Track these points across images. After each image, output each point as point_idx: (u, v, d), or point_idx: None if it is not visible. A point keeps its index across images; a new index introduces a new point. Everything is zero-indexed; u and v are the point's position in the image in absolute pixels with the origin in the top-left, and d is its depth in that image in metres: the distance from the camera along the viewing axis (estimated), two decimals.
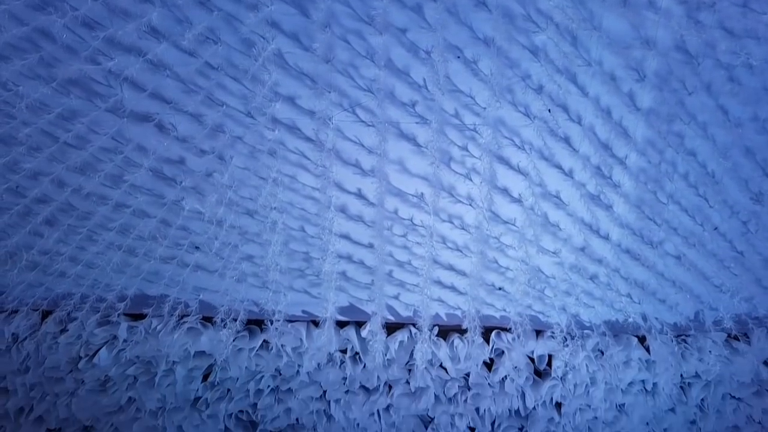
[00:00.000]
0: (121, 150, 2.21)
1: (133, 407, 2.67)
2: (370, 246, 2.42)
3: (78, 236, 2.38)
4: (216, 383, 2.66)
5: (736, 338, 2.56)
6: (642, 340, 2.59)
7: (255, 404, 2.73)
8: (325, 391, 2.72)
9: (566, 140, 2.18)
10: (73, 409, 2.65)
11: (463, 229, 2.36)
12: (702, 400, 2.63)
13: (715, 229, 2.33)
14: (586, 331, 2.57)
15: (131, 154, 2.22)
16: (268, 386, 2.69)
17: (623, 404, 2.65)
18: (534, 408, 2.67)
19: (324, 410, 2.76)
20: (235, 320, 2.53)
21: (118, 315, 2.55)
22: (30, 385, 2.63)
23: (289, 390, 2.71)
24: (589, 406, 2.64)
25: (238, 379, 2.65)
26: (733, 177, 2.21)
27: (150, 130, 2.18)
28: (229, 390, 2.68)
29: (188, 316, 2.53)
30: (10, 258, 2.42)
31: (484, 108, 2.11)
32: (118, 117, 2.16)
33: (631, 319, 2.52)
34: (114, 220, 2.34)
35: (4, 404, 2.67)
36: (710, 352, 2.51)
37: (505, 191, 2.29)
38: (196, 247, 2.43)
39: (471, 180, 2.25)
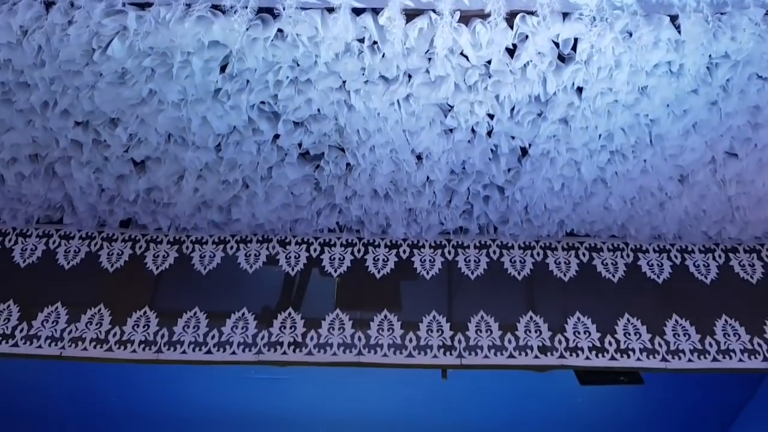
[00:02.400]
0: None
1: (155, 99, 2.70)
2: None
3: None
4: (234, 75, 2.64)
5: None
6: (674, 19, 2.46)
7: (275, 95, 2.75)
8: (344, 82, 2.71)
9: None
10: (96, 101, 2.69)
11: None
12: (727, 80, 2.59)
13: None
14: (616, 12, 2.43)
15: None
16: (287, 77, 2.67)
17: (646, 87, 2.63)
18: (554, 93, 2.66)
19: (344, 100, 2.78)
20: (246, 7, 2.42)
21: (124, 4, 2.44)
22: (49, 79, 2.64)
23: (309, 81, 2.70)
24: (611, 90, 2.63)
25: (255, 70, 2.62)
26: None
27: None
28: (248, 81, 2.68)
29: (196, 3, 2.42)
30: None
31: None
32: None
33: None
34: None
35: (27, 98, 2.72)
36: (744, 30, 2.40)
37: None
38: None
39: None
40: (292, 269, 3.33)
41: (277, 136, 2.93)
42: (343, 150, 3.01)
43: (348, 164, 3.07)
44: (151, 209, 3.28)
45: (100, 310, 3.11)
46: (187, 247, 3.37)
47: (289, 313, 3.15)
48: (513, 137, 2.92)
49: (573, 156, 2.97)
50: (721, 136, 2.89)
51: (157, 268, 3.30)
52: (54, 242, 3.38)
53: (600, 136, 2.88)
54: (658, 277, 3.29)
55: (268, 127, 2.87)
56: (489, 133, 2.91)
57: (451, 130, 2.90)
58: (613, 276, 3.29)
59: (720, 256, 3.36)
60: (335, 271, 3.33)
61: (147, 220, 3.35)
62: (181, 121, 2.82)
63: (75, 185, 3.15)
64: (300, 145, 2.98)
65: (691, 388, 3.95)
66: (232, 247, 3.38)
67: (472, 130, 2.89)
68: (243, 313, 3.13)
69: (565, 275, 3.31)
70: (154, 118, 2.80)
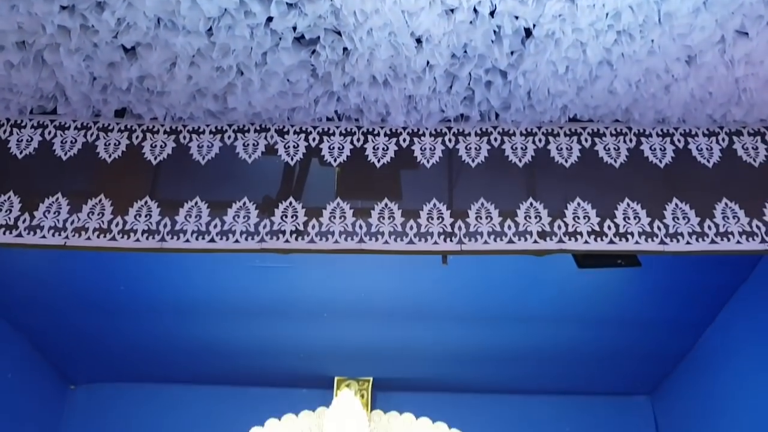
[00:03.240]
0: None
1: None
2: None
3: None
4: None
5: None
6: None
7: None
8: None
9: None
10: None
11: None
12: None
13: None
14: None
15: None
16: None
17: None
18: None
19: None
20: None
21: None
22: None
23: None
24: None
25: None
26: None
27: None
28: None
29: None
30: None
31: None
32: None
33: None
34: None
35: None
36: None
37: None
38: None
39: None
40: (291, 159, 3.31)
41: (270, 19, 2.81)
42: (339, 33, 2.90)
43: (345, 49, 2.97)
44: (145, 98, 3.22)
45: (101, 200, 3.11)
46: (185, 137, 3.33)
47: (290, 203, 3.15)
48: (517, 17, 2.80)
49: (578, 37, 2.86)
50: (732, 13, 2.77)
51: (155, 158, 3.27)
52: (50, 133, 3.33)
53: (607, 15, 2.77)
54: (660, 162, 3.26)
55: (261, 9, 2.75)
56: (492, 13, 2.79)
57: (452, 11, 2.78)
58: (615, 161, 3.26)
59: (723, 140, 3.32)
60: (335, 160, 3.31)
61: (142, 109, 3.29)
62: (170, 3, 2.70)
63: (66, 74, 3.07)
64: (294, 28, 2.87)
65: (687, 271, 4.04)
66: (229, 137, 3.34)
67: (474, 10, 2.77)
68: (244, 203, 3.13)
69: (566, 161, 3.28)
70: (142, 1, 2.69)
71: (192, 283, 4.31)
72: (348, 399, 5.38)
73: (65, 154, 3.27)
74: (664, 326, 4.69)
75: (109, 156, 3.27)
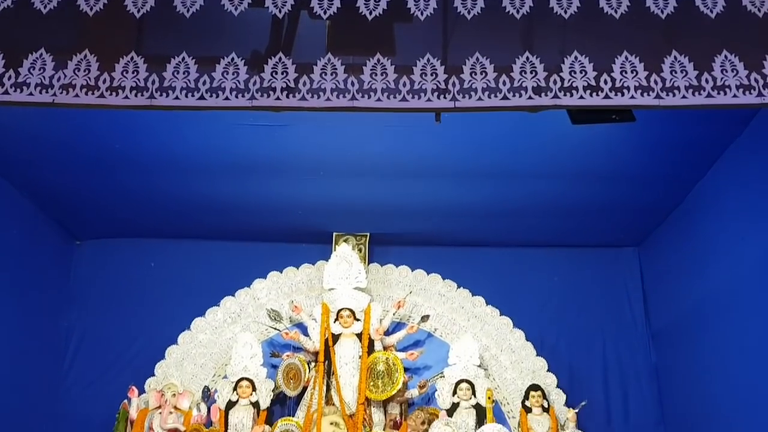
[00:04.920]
0: None
1: None
2: None
3: None
4: None
5: None
6: None
7: None
8: None
9: None
10: None
11: None
12: None
13: None
14: None
15: None
16: None
17: None
18: None
19: None
20: None
21: None
22: None
23: None
24: None
25: None
26: None
27: None
28: None
29: None
30: None
31: None
32: None
33: None
34: None
35: None
36: None
37: None
38: None
39: None
40: (280, 11, 3.17)
41: None
42: None
43: None
44: None
45: (86, 56, 3.02)
46: None
47: (280, 58, 3.07)
48: None
49: None
50: None
51: (138, 11, 3.13)
52: None
53: None
54: (662, 12, 3.13)
55: None
56: None
57: None
58: (616, 11, 3.13)
59: None
60: (324, 12, 3.17)
61: None
62: None
63: None
64: None
65: (681, 127, 4.03)
66: None
67: None
68: (232, 58, 3.05)
69: (565, 12, 3.15)
70: None
71: (186, 141, 4.32)
72: (346, 253, 5.59)
73: (45, 8, 3.13)
74: (655, 180, 4.76)
75: (90, 9, 3.13)
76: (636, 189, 4.89)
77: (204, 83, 3.00)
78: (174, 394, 5.13)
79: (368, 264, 5.76)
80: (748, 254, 4.07)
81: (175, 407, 5.07)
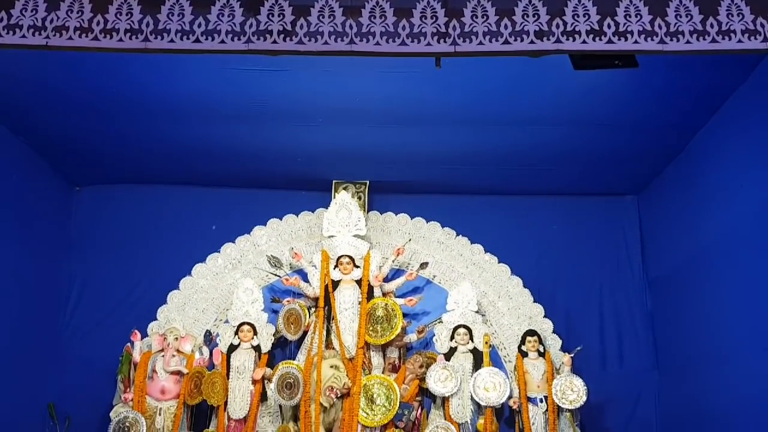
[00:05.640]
0: None
1: None
2: None
3: None
4: None
5: None
6: None
7: None
8: None
9: None
10: None
11: None
12: None
13: None
14: None
15: None
16: None
17: None
18: None
19: None
20: None
21: None
22: None
23: None
24: None
25: None
26: None
27: None
28: None
29: None
30: None
31: None
32: None
33: None
34: None
35: None
36: None
37: None
38: None
39: None
40: None
41: None
42: None
43: None
44: None
45: None
46: None
47: (276, 0, 3.00)
48: None
49: None
50: None
51: None
52: None
53: None
54: None
55: None
56: None
57: None
58: None
59: None
60: None
61: None
62: None
63: None
64: None
65: (684, 73, 3.96)
66: None
67: None
68: (228, 0, 2.99)
69: None
70: None
71: (183, 86, 4.25)
72: (345, 200, 5.59)
73: None
74: (656, 128, 4.71)
75: None
76: (637, 136, 4.84)
77: (199, 26, 2.95)
78: (176, 338, 5.22)
79: (367, 212, 5.76)
80: (749, 203, 4.05)
81: (178, 350, 5.17)
